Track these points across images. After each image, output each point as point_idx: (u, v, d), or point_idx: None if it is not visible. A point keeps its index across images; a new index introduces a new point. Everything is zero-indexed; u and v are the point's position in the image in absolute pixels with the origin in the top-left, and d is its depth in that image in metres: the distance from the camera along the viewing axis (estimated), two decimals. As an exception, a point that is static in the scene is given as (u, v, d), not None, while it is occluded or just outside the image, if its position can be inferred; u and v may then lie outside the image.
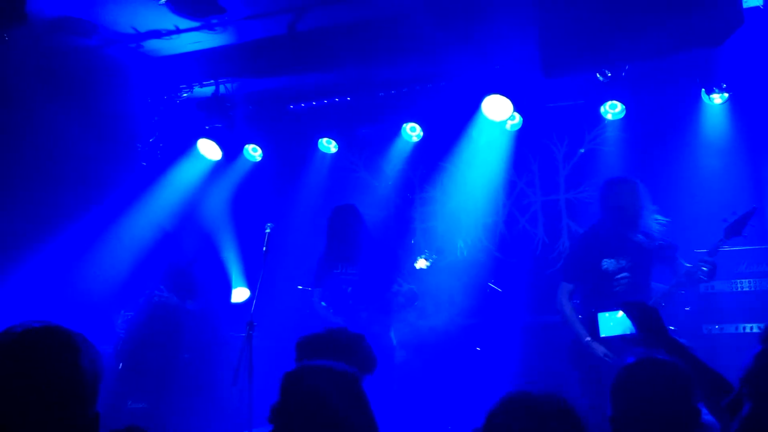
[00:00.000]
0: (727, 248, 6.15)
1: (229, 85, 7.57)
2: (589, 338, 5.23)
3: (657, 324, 2.90)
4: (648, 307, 2.96)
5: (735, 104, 6.76)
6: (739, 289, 6.23)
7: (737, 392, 2.30)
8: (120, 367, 6.74)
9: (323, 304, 6.11)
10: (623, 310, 3.00)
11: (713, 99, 6.68)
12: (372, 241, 6.23)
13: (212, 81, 7.57)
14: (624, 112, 7.00)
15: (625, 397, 2.43)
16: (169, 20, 6.34)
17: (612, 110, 7.05)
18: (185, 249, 7.25)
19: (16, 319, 1.85)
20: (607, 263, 5.48)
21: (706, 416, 2.61)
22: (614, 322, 3.08)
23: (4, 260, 6.49)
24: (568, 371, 5.42)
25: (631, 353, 2.80)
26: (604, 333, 3.16)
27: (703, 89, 6.67)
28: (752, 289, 6.20)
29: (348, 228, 6.13)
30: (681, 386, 2.44)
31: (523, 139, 7.70)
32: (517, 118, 7.36)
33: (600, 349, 5.15)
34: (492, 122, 7.20)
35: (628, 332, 3.02)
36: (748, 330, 6.13)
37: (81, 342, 1.85)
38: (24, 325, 1.81)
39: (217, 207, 8.29)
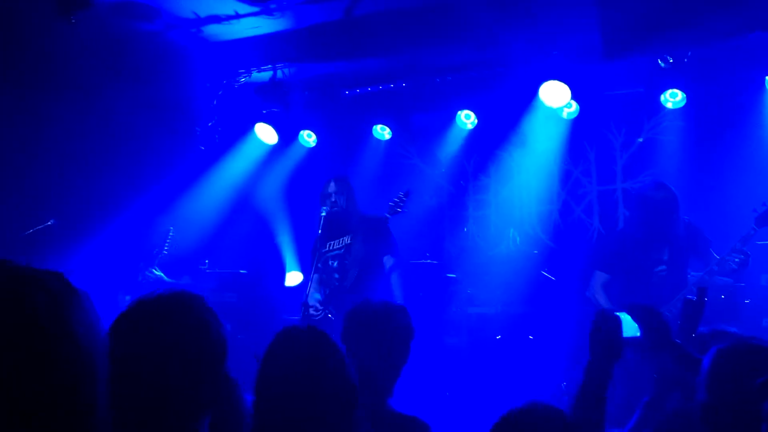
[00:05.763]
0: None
1: (286, 71, 7.64)
2: None
3: (662, 327, 2.85)
4: (654, 310, 2.91)
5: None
6: (801, 282, 6.08)
7: None
8: None
9: None
10: (629, 313, 2.93)
11: (778, 88, 6.50)
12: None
13: (270, 66, 7.66)
14: (685, 101, 6.83)
15: (725, 384, 2.41)
16: (229, 6, 6.42)
17: (672, 99, 6.87)
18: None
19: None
20: (645, 256, 5.63)
21: None
22: (625, 324, 3.03)
23: (72, 236, 6.69)
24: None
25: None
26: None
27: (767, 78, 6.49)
28: (815, 281, 6.05)
29: None
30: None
31: (579, 128, 7.59)
32: (574, 106, 7.26)
33: None
34: (548, 110, 7.13)
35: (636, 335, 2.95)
36: (809, 323, 5.98)
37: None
38: (168, 290, 1.94)
39: (272, 191, 8.40)
